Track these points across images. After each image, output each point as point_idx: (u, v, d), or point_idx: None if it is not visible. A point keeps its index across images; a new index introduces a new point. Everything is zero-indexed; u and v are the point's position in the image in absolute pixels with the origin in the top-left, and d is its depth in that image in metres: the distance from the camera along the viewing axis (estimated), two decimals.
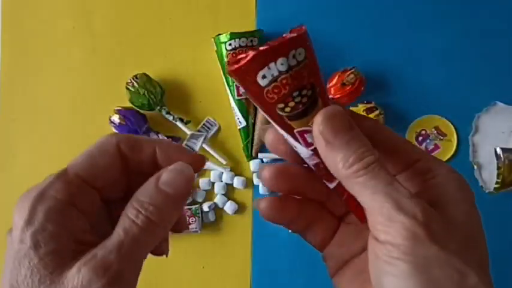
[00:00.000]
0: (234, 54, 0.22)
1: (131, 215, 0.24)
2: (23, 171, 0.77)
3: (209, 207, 0.76)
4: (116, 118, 0.73)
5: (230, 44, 0.74)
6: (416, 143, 0.78)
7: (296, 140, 0.25)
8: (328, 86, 0.75)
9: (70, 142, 0.77)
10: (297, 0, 0.79)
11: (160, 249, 0.30)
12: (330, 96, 0.75)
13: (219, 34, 0.75)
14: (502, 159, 0.74)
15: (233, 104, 0.76)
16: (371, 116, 0.73)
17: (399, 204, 0.22)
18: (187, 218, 0.75)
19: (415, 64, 0.79)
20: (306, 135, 0.25)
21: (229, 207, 0.76)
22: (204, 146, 0.76)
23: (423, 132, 0.78)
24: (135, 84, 0.73)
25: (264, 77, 0.23)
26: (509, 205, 0.76)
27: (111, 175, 0.27)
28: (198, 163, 0.28)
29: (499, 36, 0.79)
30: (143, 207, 0.24)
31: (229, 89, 0.76)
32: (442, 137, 0.78)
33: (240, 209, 0.77)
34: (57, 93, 0.78)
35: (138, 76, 0.73)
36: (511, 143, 0.77)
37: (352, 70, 0.74)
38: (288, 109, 0.24)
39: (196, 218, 0.75)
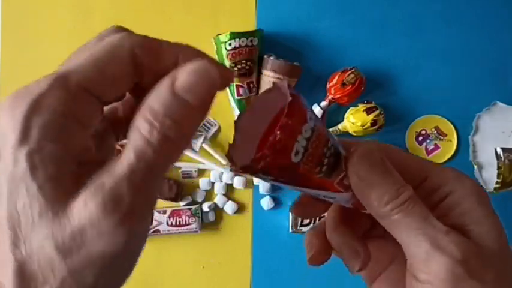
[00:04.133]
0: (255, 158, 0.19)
1: (144, 131, 0.19)
2: None
3: (209, 207, 0.76)
4: None
5: (230, 44, 0.74)
6: (416, 143, 0.78)
7: (336, 191, 0.25)
8: (328, 86, 0.75)
9: None
10: (297, 0, 0.79)
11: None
12: (330, 97, 0.75)
13: (219, 34, 0.75)
14: (502, 159, 0.74)
15: (233, 104, 0.76)
16: (371, 116, 0.73)
17: (436, 242, 0.23)
18: (188, 218, 0.75)
19: (416, 64, 0.79)
20: (343, 181, 0.25)
21: (229, 207, 0.76)
22: (204, 146, 0.76)
23: (423, 132, 0.78)
24: None
25: (297, 153, 0.21)
26: (510, 205, 0.76)
27: (120, 87, 0.21)
28: (225, 78, 0.21)
29: (500, 36, 0.79)
30: (158, 120, 0.18)
31: (229, 88, 0.76)
32: (442, 137, 0.78)
33: (240, 209, 0.77)
34: None
35: None
36: (511, 143, 0.77)
37: (352, 70, 0.73)
38: (325, 167, 0.23)
39: (196, 218, 0.75)
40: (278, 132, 0.20)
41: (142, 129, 0.19)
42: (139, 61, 0.21)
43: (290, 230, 0.76)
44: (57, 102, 0.19)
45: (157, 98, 0.19)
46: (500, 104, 0.78)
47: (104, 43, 0.21)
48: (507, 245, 0.24)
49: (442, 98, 0.78)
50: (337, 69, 0.75)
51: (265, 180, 0.23)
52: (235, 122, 0.24)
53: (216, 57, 0.76)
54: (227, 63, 0.75)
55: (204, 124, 0.77)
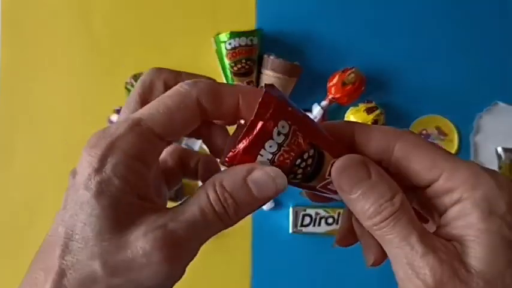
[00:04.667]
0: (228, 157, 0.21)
1: (211, 198, 0.23)
2: (22, 171, 0.77)
3: None
4: (115, 118, 0.73)
5: (230, 43, 0.73)
6: None
7: (323, 192, 0.26)
8: (328, 86, 0.75)
9: (69, 142, 0.77)
10: (297, 0, 0.79)
11: None
12: (330, 96, 0.74)
13: (219, 33, 0.74)
14: (503, 158, 0.74)
15: None
16: (371, 116, 0.73)
17: (412, 265, 0.23)
18: None
19: (416, 64, 0.78)
20: (329, 186, 0.25)
21: None
22: (204, 146, 0.75)
23: (424, 132, 0.77)
24: (134, 83, 0.73)
25: (262, 163, 0.23)
26: None
27: (186, 130, 0.24)
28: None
29: (500, 36, 0.79)
30: (224, 196, 0.23)
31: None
32: (443, 137, 0.77)
33: None
34: (57, 93, 0.78)
35: (137, 76, 0.73)
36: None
37: (353, 70, 0.73)
38: (299, 176, 0.24)
39: None
40: (238, 146, 0.23)
41: (210, 195, 0.23)
42: (204, 107, 0.24)
43: (290, 230, 0.76)
44: (129, 145, 0.22)
45: (229, 178, 0.23)
46: (501, 103, 0.77)
47: (173, 93, 0.24)
48: (506, 269, 0.22)
49: (443, 98, 0.78)
50: (337, 68, 0.74)
51: None
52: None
53: (215, 56, 0.76)
54: (227, 62, 0.74)
55: None
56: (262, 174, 0.23)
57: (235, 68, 0.74)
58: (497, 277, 0.22)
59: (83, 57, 0.78)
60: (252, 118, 0.22)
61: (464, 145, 0.78)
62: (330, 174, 0.24)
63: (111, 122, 0.73)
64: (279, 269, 0.77)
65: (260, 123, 0.22)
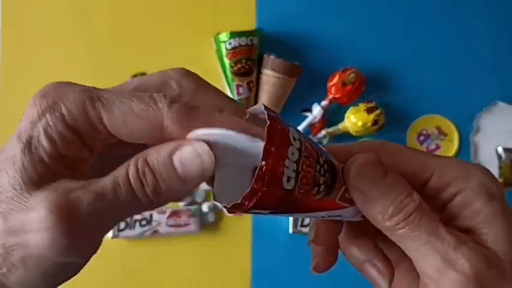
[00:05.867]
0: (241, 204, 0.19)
1: (130, 171, 0.21)
2: None
3: (209, 207, 0.76)
4: None
5: (230, 43, 0.73)
6: (417, 143, 0.77)
7: (340, 208, 0.23)
8: (328, 85, 0.75)
9: None
10: (297, 0, 0.79)
11: None
12: (331, 96, 0.74)
13: (219, 33, 0.74)
14: (503, 158, 0.74)
15: None
16: (372, 116, 0.73)
17: (446, 258, 0.22)
18: (187, 219, 0.75)
19: (416, 63, 0.78)
20: (345, 195, 0.23)
21: None
22: None
23: (424, 132, 0.77)
24: None
25: (288, 179, 0.20)
26: (511, 205, 0.76)
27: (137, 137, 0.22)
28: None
29: (500, 36, 0.79)
30: (144, 170, 0.20)
31: (229, 88, 0.76)
32: (443, 137, 0.77)
33: None
34: None
35: (137, 75, 0.73)
36: None
37: (353, 69, 0.73)
38: (322, 187, 0.22)
39: (196, 218, 0.75)
40: (263, 163, 0.19)
41: (129, 169, 0.21)
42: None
43: (290, 231, 0.76)
44: (73, 113, 0.21)
45: (154, 153, 0.21)
46: (501, 103, 0.77)
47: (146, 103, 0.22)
48: None
49: (443, 98, 0.78)
50: (337, 68, 0.74)
51: (261, 214, 0.21)
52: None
53: (216, 56, 0.76)
54: (227, 62, 0.74)
55: None
56: (190, 150, 0.20)
57: (235, 68, 0.74)
58: None
59: (83, 57, 0.78)
60: (267, 119, 0.19)
61: (464, 145, 0.77)
62: (343, 180, 0.23)
63: None
64: (279, 269, 0.77)
65: (279, 127, 0.19)
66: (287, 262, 0.77)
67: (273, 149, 0.19)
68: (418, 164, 0.24)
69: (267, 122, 0.19)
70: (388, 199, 0.22)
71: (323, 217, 0.23)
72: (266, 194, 0.19)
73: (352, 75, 0.73)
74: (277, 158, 0.19)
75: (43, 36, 0.79)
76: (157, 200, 0.21)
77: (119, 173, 0.21)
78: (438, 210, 0.24)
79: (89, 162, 0.22)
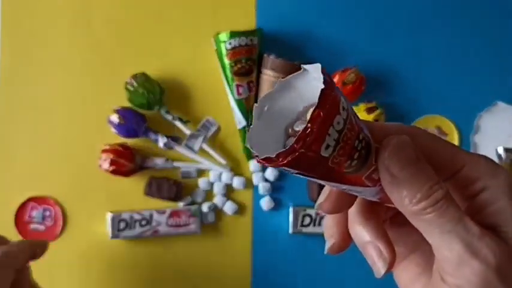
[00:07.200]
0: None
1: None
2: (21, 171, 0.77)
3: (209, 207, 0.75)
4: (114, 118, 0.72)
5: (230, 43, 0.73)
6: None
7: (363, 186, 0.23)
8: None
9: (69, 142, 0.77)
10: (297, 0, 0.79)
11: None
12: None
13: (219, 33, 0.74)
14: (504, 159, 0.74)
15: (233, 104, 0.76)
16: (372, 116, 0.73)
17: (470, 247, 0.22)
18: (187, 219, 0.74)
19: (417, 63, 0.78)
20: (372, 175, 0.23)
21: (229, 207, 0.76)
22: (204, 146, 0.75)
23: None
24: (134, 83, 0.72)
25: (327, 147, 0.20)
26: None
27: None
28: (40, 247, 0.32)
29: (501, 35, 0.79)
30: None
31: (229, 88, 0.76)
32: (443, 137, 0.77)
33: (240, 209, 0.77)
34: (56, 92, 0.78)
35: (137, 75, 0.73)
36: None
37: (353, 69, 0.73)
38: (355, 162, 0.22)
39: (196, 218, 0.74)
40: (309, 125, 0.19)
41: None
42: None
43: (290, 231, 0.76)
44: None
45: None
46: (501, 103, 0.77)
47: None
48: None
49: (443, 98, 0.78)
50: (337, 68, 0.74)
51: (288, 172, 0.21)
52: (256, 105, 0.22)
53: (215, 56, 0.76)
54: (227, 62, 0.74)
55: (204, 124, 0.76)
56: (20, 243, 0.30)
57: (235, 68, 0.74)
58: None
59: (83, 57, 0.78)
60: (322, 87, 0.19)
61: (464, 145, 0.77)
62: (375, 161, 0.23)
63: (110, 122, 0.73)
64: (279, 269, 0.77)
65: (332, 93, 0.19)
66: (287, 262, 0.77)
67: (322, 113, 0.19)
68: (450, 155, 0.25)
69: (322, 86, 0.19)
70: (417, 184, 0.23)
71: (344, 189, 0.24)
72: (302, 156, 0.19)
73: (352, 75, 0.73)
74: (323, 124, 0.19)
75: (43, 36, 0.79)
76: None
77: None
78: (463, 202, 0.25)
79: None
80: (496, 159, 0.75)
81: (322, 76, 0.20)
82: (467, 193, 0.24)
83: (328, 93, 0.19)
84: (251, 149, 0.21)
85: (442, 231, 0.22)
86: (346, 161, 0.21)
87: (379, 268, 0.26)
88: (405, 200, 0.23)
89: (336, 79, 0.73)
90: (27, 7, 0.79)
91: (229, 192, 0.77)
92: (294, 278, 0.77)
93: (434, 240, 0.23)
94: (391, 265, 0.26)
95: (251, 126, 0.22)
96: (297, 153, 0.19)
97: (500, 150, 0.75)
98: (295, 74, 0.22)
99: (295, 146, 0.19)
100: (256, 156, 0.20)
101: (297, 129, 0.20)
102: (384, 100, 0.76)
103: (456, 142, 0.77)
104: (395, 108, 0.77)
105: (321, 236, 0.76)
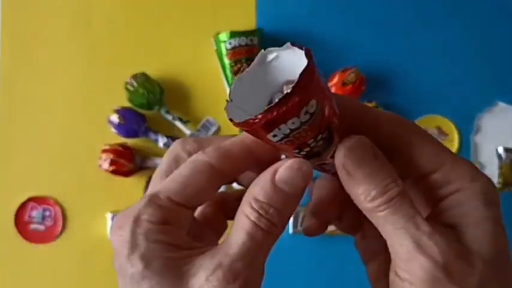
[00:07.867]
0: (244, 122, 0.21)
1: (252, 217, 0.23)
2: (21, 171, 0.77)
3: None
4: (114, 118, 0.72)
5: (230, 43, 0.73)
6: None
7: (315, 169, 0.25)
8: (328, 85, 0.74)
9: (69, 142, 0.77)
10: (297, 0, 0.79)
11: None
12: None
13: (219, 33, 0.74)
14: (504, 159, 0.74)
15: None
16: None
17: (418, 244, 0.22)
18: None
19: (417, 63, 0.78)
20: (324, 166, 0.25)
21: None
22: None
23: None
24: (134, 83, 0.72)
25: (274, 136, 0.21)
26: (511, 205, 0.76)
27: (204, 195, 0.26)
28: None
29: (501, 36, 0.79)
30: (263, 208, 0.23)
31: (229, 88, 0.76)
32: (443, 137, 0.77)
33: None
34: (56, 92, 0.78)
35: (137, 75, 0.73)
36: None
37: (353, 69, 0.73)
38: (303, 153, 0.23)
39: None
40: (260, 116, 0.20)
41: (251, 215, 0.23)
42: (220, 171, 0.25)
43: (290, 231, 0.76)
44: (151, 216, 0.24)
45: (260, 190, 0.24)
46: (501, 104, 0.77)
47: (187, 162, 0.25)
48: (504, 251, 0.24)
49: (443, 98, 0.78)
50: (337, 68, 0.74)
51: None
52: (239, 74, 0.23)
53: (215, 56, 0.76)
54: (227, 62, 0.74)
55: (204, 124, 0.76)
56: (287, 169, 0.24)
57: (235, 68, 0.74)
58: (495, 258, 0.23)
59: (82, 57, 0.78)
60: (289, 91, 0.20)
61: (464, 145, 0.77)
62: (332, 156, 0.24)
63: (110, 122, 0.73)
64: (279, 269, 0.77)
65: (296, 99, 0.20)
66: (287, 262, 0.77)
67: (275, 113, 0.20)
68: (432, 153, 0.25)
69: (302, 76, 0.20)
70: (373, 181, 0.23)
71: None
72: (252, 131, 0.21)
73: (352, 75, 0.73)
74: (274, 121, 0.20)
75: (43, 36, 0.79)
76: (284, 222, 0.24)
77: (244, 224, 0.23)
78: (435, 202, 0.25)
79: (189, 235, 0.25)
80: (496, 159, 0.75)
81: (301, 76, 0.20)
82: (443, 192, 0.25)
83: (298, 101, 0.20)
84: (228, 99, 0.22)
85: (395, 227, 0.23)
86: (293, 150, 0.23)
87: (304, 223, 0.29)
88: (361, 197, 0.23)
89: (336, 79, 0.73)
90: (27, 7, 0.79)
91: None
92: (294, 277, 0.77)
93: (387, 236, 0.24)
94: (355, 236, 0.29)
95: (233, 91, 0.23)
96: (248, 128, 0.21)
97: (500, 150, 0.75)
98: (284, 47, 0.23)
99: (251, 121, 0.20)
100: (230, 119, 0.22)
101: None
102: (384, 100, 0.76)
103: (456, 142, 0.77)
104: (396, 108, 0.77)
105: (321, 236, 0.76)
